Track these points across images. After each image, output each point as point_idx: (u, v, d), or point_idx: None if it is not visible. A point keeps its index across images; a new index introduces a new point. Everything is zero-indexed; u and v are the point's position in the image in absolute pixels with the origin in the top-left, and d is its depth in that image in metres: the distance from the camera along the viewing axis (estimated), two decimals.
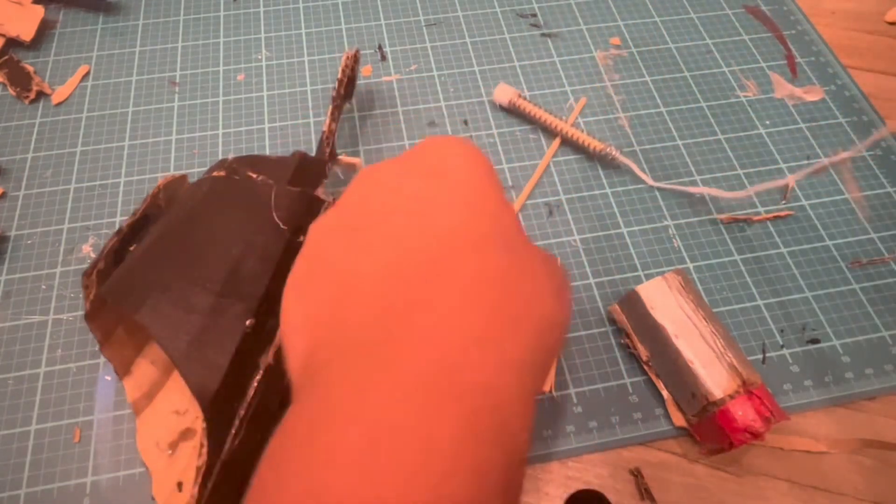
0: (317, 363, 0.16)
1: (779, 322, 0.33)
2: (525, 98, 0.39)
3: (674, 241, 0.35)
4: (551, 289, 0.18)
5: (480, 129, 0.40)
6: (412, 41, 0.44)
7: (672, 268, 0.34)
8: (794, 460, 0.29)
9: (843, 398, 0.31)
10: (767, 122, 0.40)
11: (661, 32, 0.45)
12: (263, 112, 0.40)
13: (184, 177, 0.34)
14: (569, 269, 0.34)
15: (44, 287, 0.33)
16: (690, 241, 0.35)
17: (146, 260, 0.28)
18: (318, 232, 0.19)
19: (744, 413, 0.26)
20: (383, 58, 0.43)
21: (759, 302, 0.33)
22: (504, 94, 0.39)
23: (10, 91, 0.40)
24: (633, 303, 0.30)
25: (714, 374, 0.27)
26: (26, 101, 0.40)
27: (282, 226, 0.28)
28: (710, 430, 0.28)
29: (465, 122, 0.40)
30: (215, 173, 0.30)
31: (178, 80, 0.42)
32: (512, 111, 0.40)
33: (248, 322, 0.26)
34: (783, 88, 0.42)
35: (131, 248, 0.30)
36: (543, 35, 0.44)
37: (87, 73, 0.42)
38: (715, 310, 0.33)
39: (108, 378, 0.31)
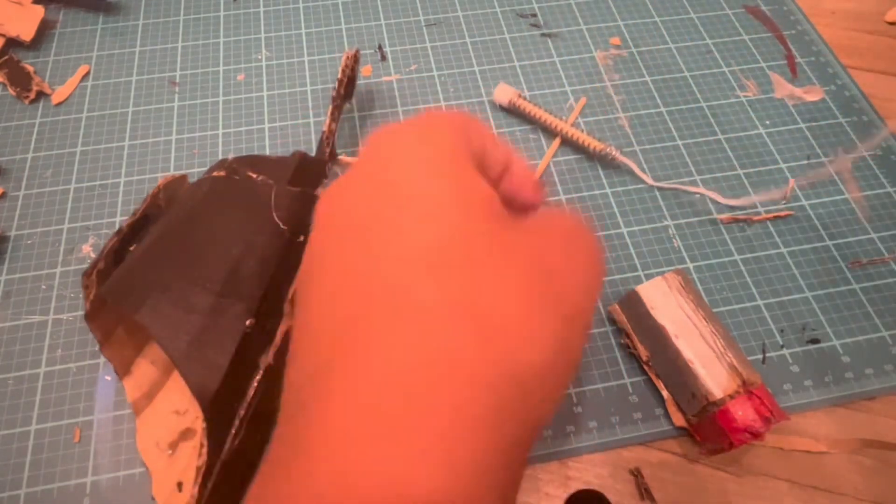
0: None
1: (779, 322, 0.33)
2: (525, 98, 0.39)
3: (674, 241, 0.35)
4: (539, 305, 0.15)
5: None
6: (412, 41, 0.44)
7: (672, 268, 0.34)
8: (794, 460, 0.29)
9: (843, 398, 0.31)
10: (767, 122, 0.40)
11: (661, 32, 0.45)
12: (263, 112, 0.40)
13: (184, 177, 0.34)
14: None
15: (44, 287, 0.33)
16: (690, 241, 0.35)
17: (146, 260, 0.28)
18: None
19: (744, 413, 0.26)
20: (383, 58, 0.43)
21: (759, 302, 0.33)
22: (504, 94, 0.39)
23: (10, 91, 0.40)
24: (633, 303, 0.30)
25: (714, 374, 0.27)
26: (26, 101, 0.40)
27: (282, 226, 0.28)
28: (710, 430, 0.27)
29: None
30: (215, 173, 0.30)
31: (178, 80, 0.42)
32: (512, 111, 0.40)
33: (248, 322, 0.26)
34: (783, 88, 0.42)
35: (131, 248, 0.30)
36: (543, 35, 0.44)
37: (87, 73, 0.42)
38: (715, 310, 0.33)
39: (108, 378, 0.31)
